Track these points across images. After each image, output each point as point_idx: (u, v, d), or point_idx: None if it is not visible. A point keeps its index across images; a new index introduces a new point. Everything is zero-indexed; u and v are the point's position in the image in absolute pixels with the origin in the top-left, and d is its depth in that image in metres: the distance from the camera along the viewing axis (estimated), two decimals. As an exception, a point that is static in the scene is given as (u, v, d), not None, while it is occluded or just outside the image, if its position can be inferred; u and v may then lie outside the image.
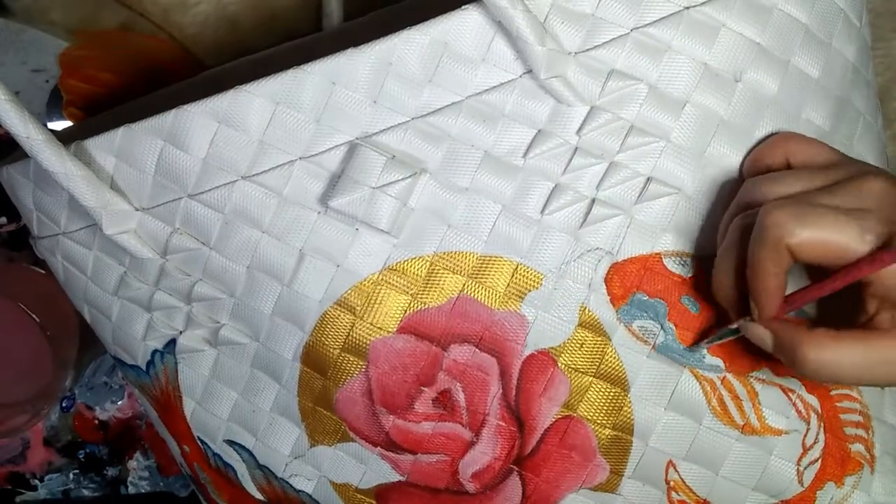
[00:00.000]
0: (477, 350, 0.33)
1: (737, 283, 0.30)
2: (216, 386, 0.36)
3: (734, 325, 0.31)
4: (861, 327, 0.29)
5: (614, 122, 0.32)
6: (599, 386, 0.33)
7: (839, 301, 0.30)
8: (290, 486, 0.36)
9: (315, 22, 0.51)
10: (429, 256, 0.33)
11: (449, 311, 0.33)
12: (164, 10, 0.51)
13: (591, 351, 0.33)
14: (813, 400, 0.35)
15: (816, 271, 0.31)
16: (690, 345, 0.33)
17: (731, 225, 0.30)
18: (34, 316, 0.48)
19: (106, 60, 0.51)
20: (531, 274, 0.32)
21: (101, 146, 0.33)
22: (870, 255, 0.27)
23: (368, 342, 0.33)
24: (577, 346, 0.33)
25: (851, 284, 0.28)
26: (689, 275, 0.33)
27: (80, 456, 0.56)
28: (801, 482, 0.35)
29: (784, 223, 0.27)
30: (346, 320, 0.33)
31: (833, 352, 0.28)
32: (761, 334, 0.30)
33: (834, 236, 0.27)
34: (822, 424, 0.35)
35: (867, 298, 0.29)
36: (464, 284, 0.33)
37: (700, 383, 0.33)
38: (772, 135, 0.32)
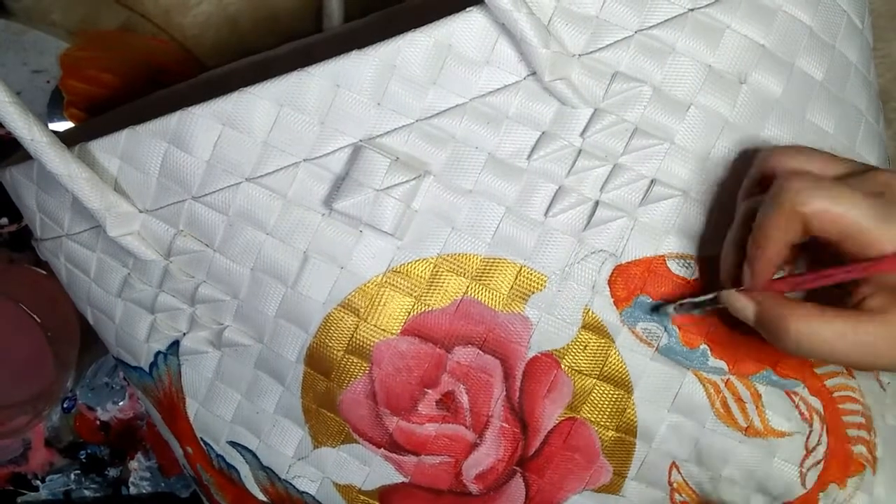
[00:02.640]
0: (480, 352, 0.33)
1: (740, 259, 0.30)
2: (219, 387, 0.36)
3: (712, 295, 0.30)
4: (849, 308, 0.28)
5: (618, 125, 0.32)
6: (603, 388, 0.33)
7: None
8: (294, 487, 0.36)
9: (315, 22, 0.51)
10: (433, 258, 0.33)
11: (452, 313, 0.33)
12: (164, 10, 0.51)
13: (595, 353, 0.33)
14: (816, 402, 0.35)
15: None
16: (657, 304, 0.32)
17: (745, 203, 0.29)
18: (35, 317, 0.48)
19: (107, 61, 0.51)
20: (535, 276, 0.32)
21: (105, 148, 0.33)
22: None
23: (372, 344, 0.33)
24: (581, 348, 0.33)
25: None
26: (693, 277, 0.33)
27: (82, 456, 0.55)
28: (803, 484, 0.35)
29: (801, 190, 0.27)
30: (350, 322, 0.33)
31: (819, 327, 0.27)
32: (744, 304, 0.29)
33: (851, 212, 0.26)
34: (824, 426, 0.35)
35: (861, 282, 0.28)
36: (467, 286, 0.33)
37: (703, 385, 0.33)
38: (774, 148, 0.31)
